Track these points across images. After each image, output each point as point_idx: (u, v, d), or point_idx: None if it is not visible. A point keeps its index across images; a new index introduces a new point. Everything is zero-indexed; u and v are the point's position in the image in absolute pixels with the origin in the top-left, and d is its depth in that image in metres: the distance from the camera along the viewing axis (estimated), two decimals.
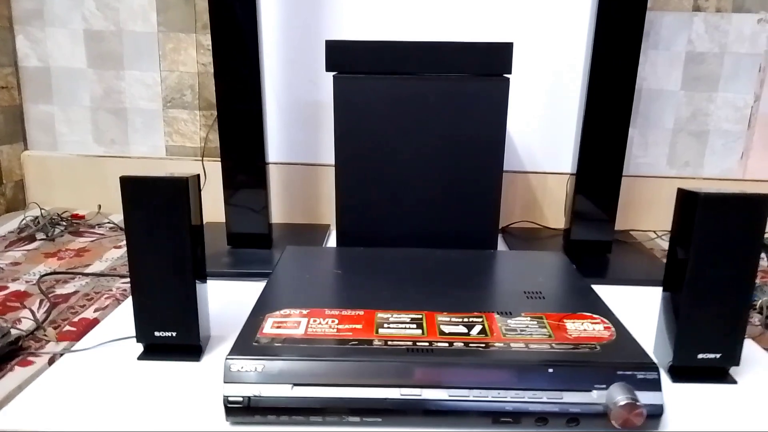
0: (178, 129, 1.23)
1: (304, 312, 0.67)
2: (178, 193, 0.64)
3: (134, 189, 0.64)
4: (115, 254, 1.04)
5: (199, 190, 0.69)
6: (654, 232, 1.21)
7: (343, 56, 0.91)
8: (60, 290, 0.88)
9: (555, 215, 1.23)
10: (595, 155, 1.00)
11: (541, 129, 1.19)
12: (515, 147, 1.20)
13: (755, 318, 0.83)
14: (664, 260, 1.07)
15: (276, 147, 1.20)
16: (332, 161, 0.93)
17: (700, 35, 1.16)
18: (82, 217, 1.19)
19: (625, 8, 0.93)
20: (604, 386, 0.56)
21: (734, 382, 0.65)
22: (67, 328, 0.77)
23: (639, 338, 0.62)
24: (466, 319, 0.65)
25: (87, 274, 0.94)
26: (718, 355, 0.64)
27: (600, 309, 0.69)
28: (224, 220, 1.03)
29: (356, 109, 0.91)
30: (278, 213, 1.23)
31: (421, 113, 0.91)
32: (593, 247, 1.04)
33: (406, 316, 0.66)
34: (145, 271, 0.65)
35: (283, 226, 1.19)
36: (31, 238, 1.09)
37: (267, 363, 0.57)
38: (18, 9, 1.17)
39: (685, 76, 1.19)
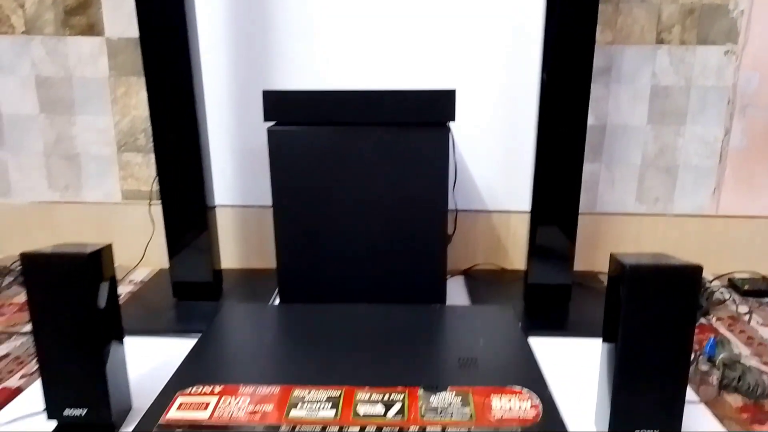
0: (133, 173, 1.20)
1: (217, 389, 0.63)
2: (78, 271, 0.61)
3: (33, 266, 0.61)
4: None
5: (111, 261, 0.65)
6: None
7: (280, 106, 0.88)
8: None
9: (520, 256, 1.19)
10: (549, 192, 0.96)
11: (502, 166, 1.16)
12: (476, 185, 1.17)
13: (713, 377, 0.78)
14: None
15: (231, 190, 1.17)
16: None
17: (665, 68, 1.13)
18: None
19: (573, 40, 0.90)
20: None
21: None
22: None
23: (586, 400, 0.58)
24: (387, 396, 0.61)
25: (22, 334, 0.91)
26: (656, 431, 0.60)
27: (534, 379, 0.65)
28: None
29: (293, 162, 0.88)
30: (233, 257, 1.20)
31: (360, 164, 0.88)
32: (552, 291, 1.00)
33: (324, 393, 0.62)
34: (50, 344, 0.62)
35: (237, 272, 1.16)
36: None
37: None
38: None
39: (651, 110, 1.15)
